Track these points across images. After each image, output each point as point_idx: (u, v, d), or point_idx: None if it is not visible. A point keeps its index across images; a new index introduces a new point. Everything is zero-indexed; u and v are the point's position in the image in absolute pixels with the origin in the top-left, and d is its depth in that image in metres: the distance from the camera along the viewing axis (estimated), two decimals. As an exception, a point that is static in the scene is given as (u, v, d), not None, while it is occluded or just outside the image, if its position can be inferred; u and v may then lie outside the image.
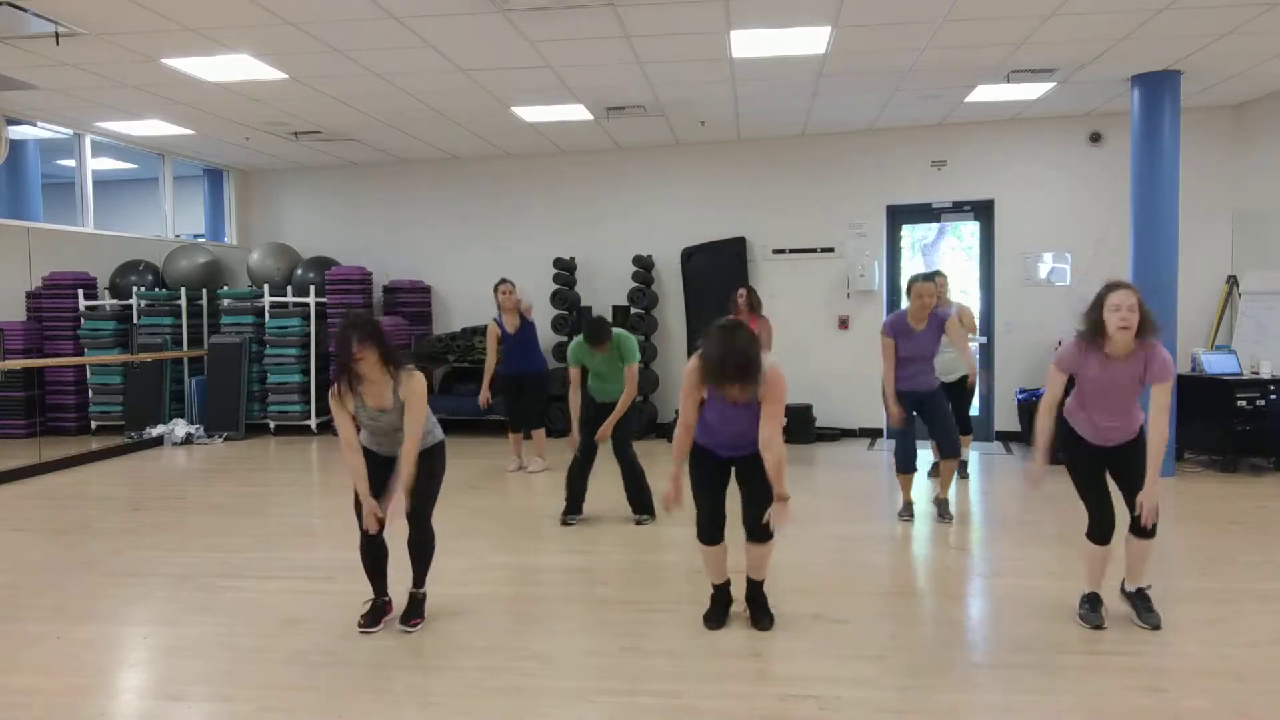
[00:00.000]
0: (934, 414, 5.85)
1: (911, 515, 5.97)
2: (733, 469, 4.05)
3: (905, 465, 5.89)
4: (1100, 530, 4.00)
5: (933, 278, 5.80)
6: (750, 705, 3.31)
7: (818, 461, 8.29)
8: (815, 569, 4.90)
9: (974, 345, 7.51)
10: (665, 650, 3.84)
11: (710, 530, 4.04)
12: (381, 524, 4.06)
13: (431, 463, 4.12)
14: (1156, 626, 3.94)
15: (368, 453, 4.09)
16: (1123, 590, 4.16)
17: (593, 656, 3.80)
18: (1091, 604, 4.09)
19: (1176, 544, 5.41)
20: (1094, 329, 3.80)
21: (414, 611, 4.19)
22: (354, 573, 4.89)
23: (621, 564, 5.14)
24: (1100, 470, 4.00)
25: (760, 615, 4.10)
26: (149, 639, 4.12)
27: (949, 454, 5.88)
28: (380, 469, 4.09)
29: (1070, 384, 3.99)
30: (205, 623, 4.24)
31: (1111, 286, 3.81)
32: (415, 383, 3.95)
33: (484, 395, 7.77)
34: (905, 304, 5.84)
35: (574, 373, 6.02)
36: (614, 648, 3.88)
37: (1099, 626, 4.00)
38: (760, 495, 3.90)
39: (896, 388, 5.75)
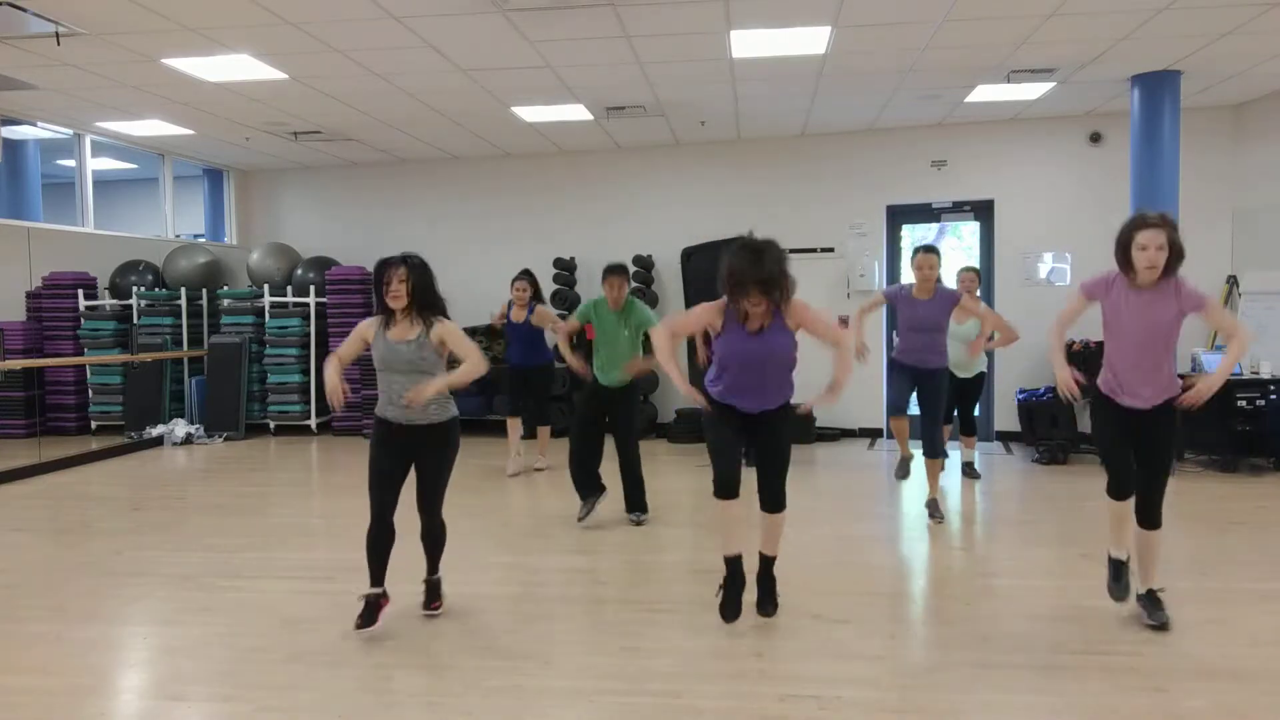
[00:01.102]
0: (928, 402, 5.81)
1: (907, 473, 5.97)
2: (749, 433, 4.00)
3: (896, 409, 5.90)
4: (1118, 485, 3.96)
5: (933, 249, 5.80)
6: (750, 705, 3.31)
7: (818, 461, 8.28)
8: (815, 569, 4.90)
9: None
10: (665, 650, 3.83)
11: (726, 483, 3.92)
12: (395, 481, 4.06)
13: (444, 448, 4.11)
14: (1164, 625, 3.89)
15: (380, 421, 4.08)
16: (1137, 595, 4.09)
17: (593, 656, 3.80)
18: (1116, 571, 4.06)
19: (1176, 544, 5.41)
20: (1121, 265, 3.74)
21: (433, 596, 4.25)
22: (354, 572, 4.89)
23: (621, 564, 5.14)
24: (1126, 437, 3.91)
25: (766, 599, 4.07)
26: (149, 639, 4.12)
27: (932, 454, 5.88)
28: (391, 442, 4.05)
29: (1097, 358, 3.94)
30: (205, 623, 4.24)
31: (1139, 224, 3.71)
32: (449, 324, 4.04)
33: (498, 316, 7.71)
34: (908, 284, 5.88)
35: (573, 324, 5.88)
36: (614, 648, 3.88)
37: (1121, 599, 4.00)
38: (776, 459, 3.96)
39: (899, 358, 5.83)
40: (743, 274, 3.69)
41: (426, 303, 3.99)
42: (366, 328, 4.06)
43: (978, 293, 7.20)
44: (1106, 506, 4.07)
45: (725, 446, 3.97)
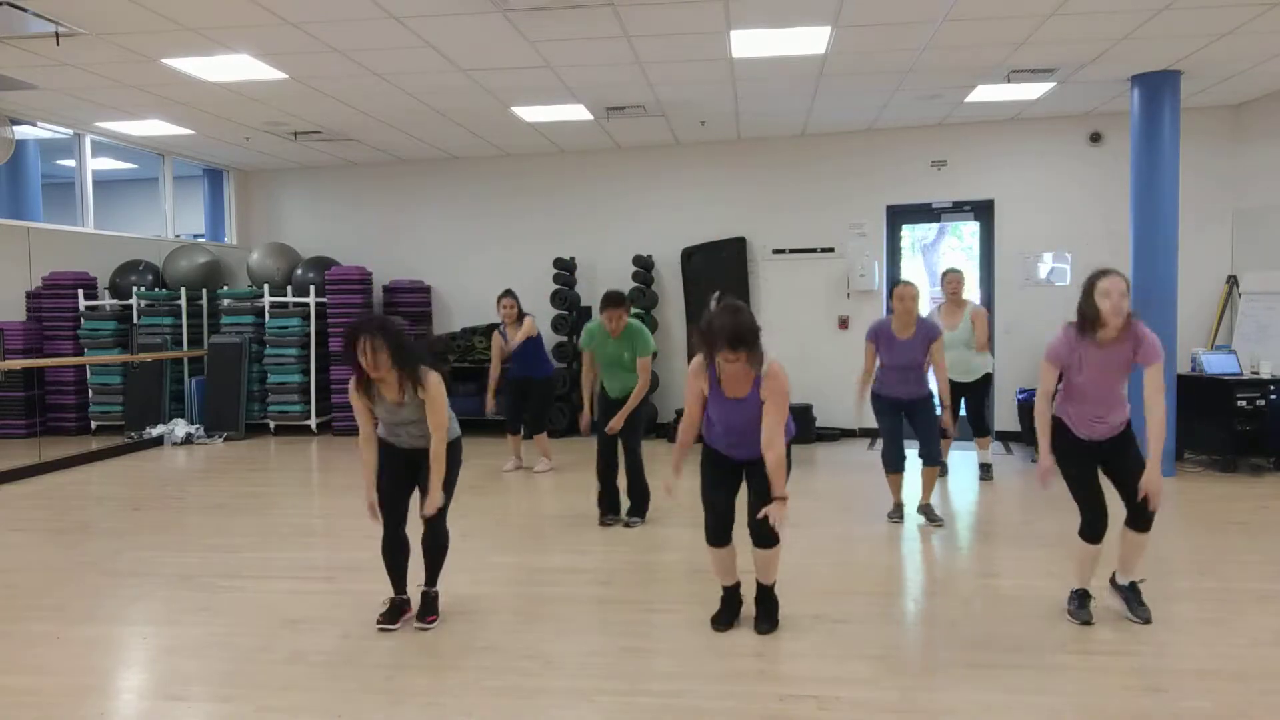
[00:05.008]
0: (919, 419, 5.85)
1: (901, 517, 5.95)
2: (745, 472, 4.03)
3: (894, 465, 5.90)
4: (1092, 529, 4.01)
5: (911, 282, 5.83)
6: (750, 705, 3.31)
7: (817, 462, 8.29)
8: (815, 569, 4.90)
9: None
10: (666, 650, 3.84)
11: (716, 532, 4.01)
12: (404, 493, 4.10)
13: (448, 463, 4.10)
14: (1147, 621, 3.96)
15: (385, 444, 4.10)
16: (1113, 582, 4.15)
17: (593, 656, 3.80)
18: (1080, 600, 4.11)
19: (1176, 544, 5.41)
20: (1087, 316, 3.83)
21: (429, 608, 4.20)
22: (354, 572, 4.91)
23: (622, 564, 5.14)
24: (1092, 467, 4.00)
25: (762, 618, 4.06)
26: (149, 639, 4.12)
27: (929, 462, 5.87)
28: (396, 460, 4.10)
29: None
30: (205, 623, 4.24)
31: (1100, 273, 3.85)
32: (432, 383, 3.95)
33: (489, 403, 7.77)
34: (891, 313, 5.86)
35: (587, 355, 6.00)
36: (615, 648, 3.89)
37: (1088, 622, 4.02)
38: (765, 499, 3.86)
39: (880, 391, 5.83)
40: (716, 330, 3.65)
41: (406, 362, 3.89)
42: (362, 396, 3.97)
43: (964, 294, 7.20)
44: (1079, 548, 4.08)
45: (717, 498, 4.00)
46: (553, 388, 8.02)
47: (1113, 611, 4.11)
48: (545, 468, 7.83)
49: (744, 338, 3.60)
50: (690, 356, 8.11)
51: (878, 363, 5.87)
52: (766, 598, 4.10)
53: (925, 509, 5.96)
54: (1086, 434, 3.97)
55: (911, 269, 9.61)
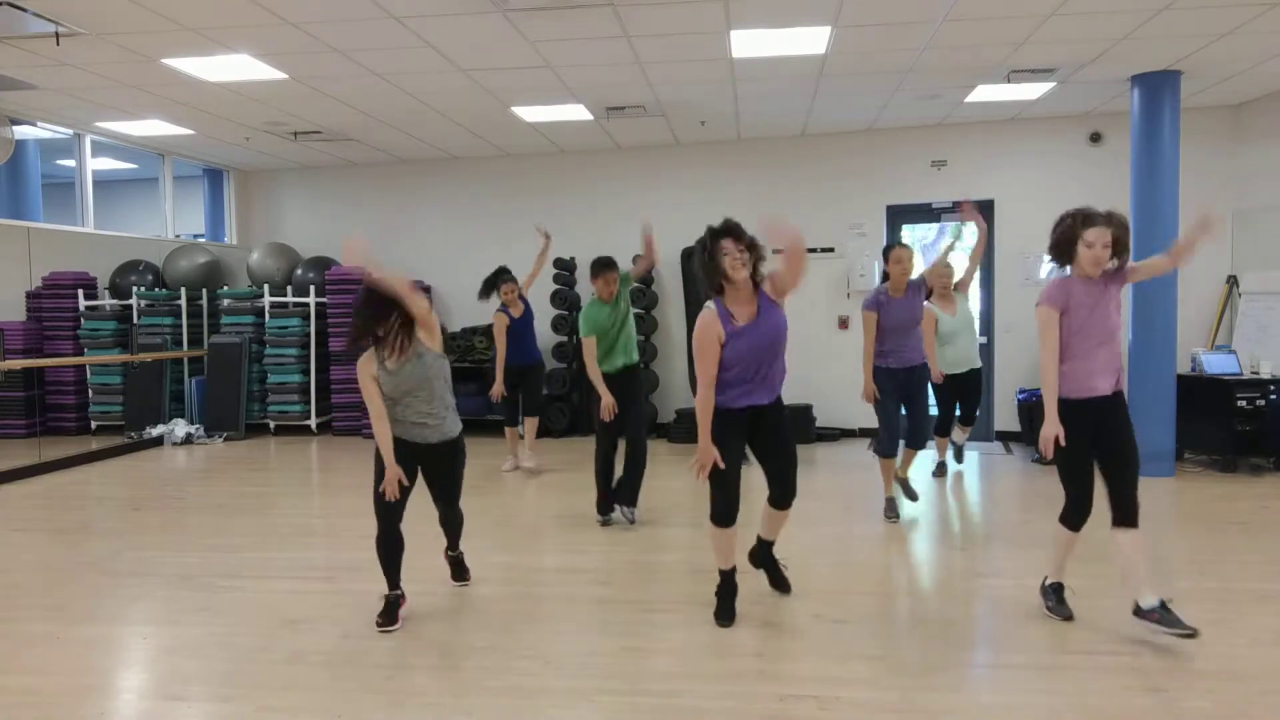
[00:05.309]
0: (913, 399, 5.92)
1: (897, 515, 5.97)
2: (750, 443, 4.11)
3: (888, 450, 5.91)
4: (1078, 513, 3.96)
5: (907, 245, 5.90)
6: (750, 705, 3.31)
7: (818, 462, 8.28)
8: (815, 569, 4.90)
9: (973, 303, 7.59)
10: (665, 650, 3.84)
11: (726, 513, 4.04)
12: (404, 492, 4.08)
13: (455, 459, 4.29)
14: (1194, 633, 3.65)
15: (397, 442, 4.10)
16: (1139, 613, 3.80)
17: (593, 656, 3.80)
18: (1057, 595, 4.10)
19: (1176, 544, 5.41)
20: (1063, 257, 3.87)
21: (460, 570, 4.70)
22: (354, 572, 4.91)
23: (622, 564, 5.14)
24: (1087, 449, 3.90)
25: (778, 580, 4.44)
26: (149, 639, 4.12)
27: (914, 445, 6.03)
28: (408, 459, 4.10)
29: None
30: (205, 623, 4.25)
31: (1089, 219, 3.80)
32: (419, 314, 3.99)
33: (498, 388, 7.59)
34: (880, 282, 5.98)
35: (589, 342, 5.79)
36: (614, 648, 3.89)
37: (1069, 618, 4.03)
38: (788, 453, 4.15)
39: (883, 365, 5.82)
40: (715, 235, 3.92)
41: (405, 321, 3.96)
42: (370, 367, 3.99)
43: (953, 284, 7.22)
44: (1059, 534, 4.05)
45: (729, 476, 3.99)
46: (544, 371, 8.03)
47: (1112, 611, 4.10)
48: (534, 464, 7.78)
49: (740, 228, 3.89)
50: (690, 356, 8.07)
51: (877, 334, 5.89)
52: (769, 556, 4.44)
53: (902, 482, 6.10)
54: (1088, 392, 3.82)
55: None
